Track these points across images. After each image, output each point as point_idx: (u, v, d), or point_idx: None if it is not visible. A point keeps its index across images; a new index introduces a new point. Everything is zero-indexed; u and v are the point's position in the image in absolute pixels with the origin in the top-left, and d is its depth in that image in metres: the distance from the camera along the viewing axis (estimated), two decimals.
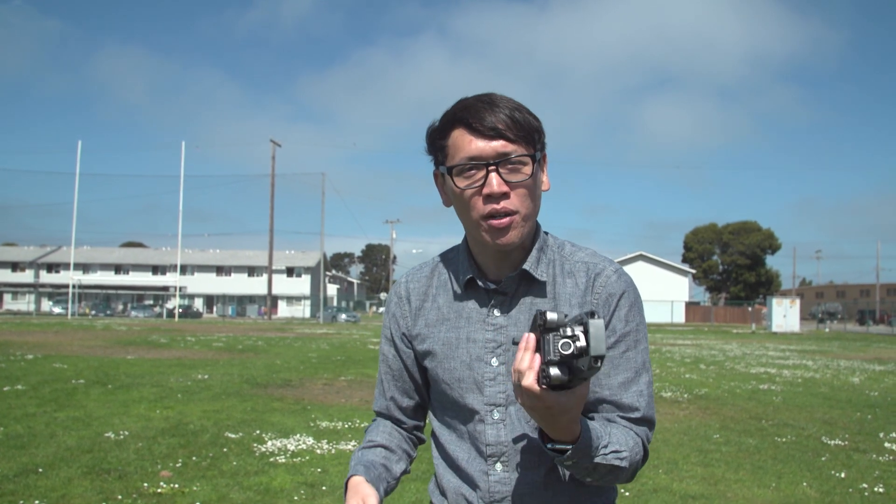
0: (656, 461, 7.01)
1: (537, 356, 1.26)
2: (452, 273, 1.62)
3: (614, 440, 1.41)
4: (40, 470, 6.16)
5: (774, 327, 49.07)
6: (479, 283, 1.55)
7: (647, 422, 1.51)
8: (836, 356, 24.12)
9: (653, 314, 73.38)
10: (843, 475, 6.59)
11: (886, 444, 8.10)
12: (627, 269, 77.74)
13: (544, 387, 1.24)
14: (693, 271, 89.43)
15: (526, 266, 1.52)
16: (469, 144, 1.45)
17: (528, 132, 1.46)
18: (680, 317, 75.98)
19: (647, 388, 1.51)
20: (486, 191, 1.44)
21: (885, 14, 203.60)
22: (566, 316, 1.26)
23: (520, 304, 1.54)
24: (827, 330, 58.35)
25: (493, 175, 1.43)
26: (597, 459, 1.37)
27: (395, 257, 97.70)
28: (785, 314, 49.49)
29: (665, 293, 76.42)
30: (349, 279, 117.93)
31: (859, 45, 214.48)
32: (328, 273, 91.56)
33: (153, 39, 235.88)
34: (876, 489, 6.10)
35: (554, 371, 1.24)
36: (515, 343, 1.48)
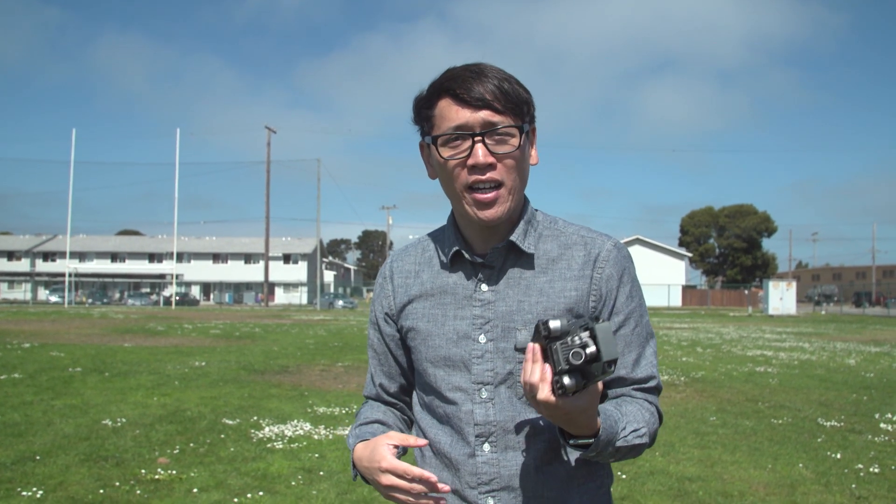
0: None
1: (547, 367, 1.24)
2: (438, 248, 1.58)
3: (631, 419, 1.41)
4: (38, 457, 6.16)
5: (771, 310, 49.18)
6: (466, 256, 1.50)
7: (658, 390, 1.54)
8: (832, 338, 24.19)
9: (650, 298, 73.51)
10: (838, 456, 6.61)
11: (882, 425, 8.14)
12: None
13: (561, 395, 1.23)
14: (689, 255, 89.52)
15: (513, 238, 1.48)
16: (455, 114, 1.41)
17: (516, 103, 1.42)
18: (677, 300, 76.14)
19: (653, 356, 1.53)
20: (471, 161, 1.40)
21: None
22: (570, 321, 1.24)
23: (507, 276, 1.49)
24: (823, 312, 58.53)
25: (479, 146, 1.40)
26: (619, 444, 1.38)
27: (391, 243, 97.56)
28: (781, 297, 49.59)
29: (662, 277, 76.53)
30: (346, 265, 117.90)
31: (856, 27, 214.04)
32: (325, 259, 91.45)
33: (151, 26, 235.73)
34: (871, 469, 6.13)
35: (568, 381, 1.22)
36: (518, 350, 1.45)
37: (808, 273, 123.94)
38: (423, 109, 1.48)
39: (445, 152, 1.43)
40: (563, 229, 1.54)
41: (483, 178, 1.41)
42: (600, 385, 1.29)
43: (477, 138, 1.40)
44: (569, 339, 1.22)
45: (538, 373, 1.24)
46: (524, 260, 1.50)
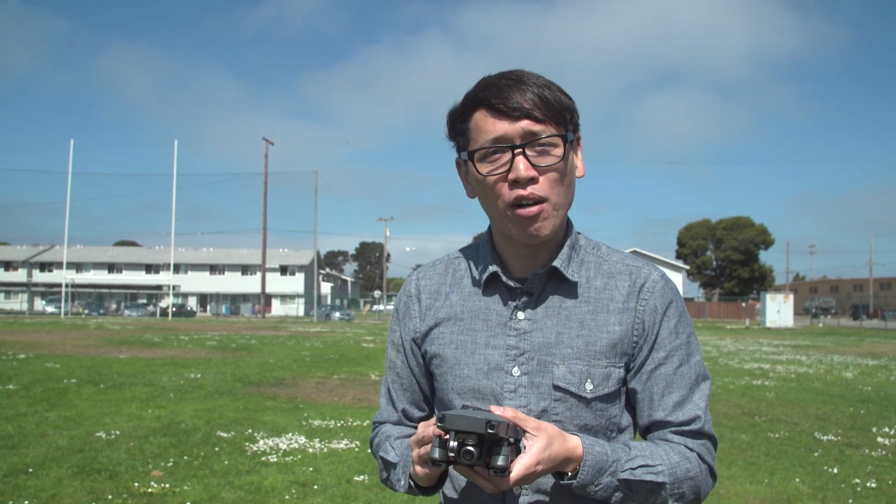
0: None
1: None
2: (472, 267, 1.46)
3: (645, 454, 1.30)
4: (30, 470, 6.12)
5: (768, 323, 49.20)
6: (503, 279, 1.38)
7: (706, 435, 1.37)
8: (829, 351, 24.18)
9: None
10: (835, 470, 6.59)
11: (879, 439, 8.11)
12: None
13: (508, 476, 1.16)
14: (687, 267, 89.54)
15: (556, 263, 1.36)
16: (492, 126, 1.30)
17: (558, 111, 1.31)
18: None
19: (703, 401, 1.38)
20: (511, 176, 1.29)
21: (882, 10, 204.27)
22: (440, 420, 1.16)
23: (546, 304, 1.38)
24: (821, 325, 58.53)
25: (520, 158, 1.28)
26: (622, 476, 1.26)
27: (388, 255, 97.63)
28: (778, 309, 49.62)
29: None
30: (343, 277, 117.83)
31: (855, 40, 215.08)
32: (322, 271, 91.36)
33: (155, 37, 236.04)
34: (868, 484, 6.10)
35: (498, 462, 1.15)
36: (555, 388, 1.36)
37: (805, 285, 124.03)
38: (458, 123, 1.37)
39: (483, 168, 1.32)
40: (607, 257, 1.43)
41: (525, 193, 1.29)
42: (551, 433, 1.21)
43: (517, 150, 1.29)
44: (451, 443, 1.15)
45: (478, 477, 1.18)
46: (566, 288, 1.38)
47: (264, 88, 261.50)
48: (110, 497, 5.41)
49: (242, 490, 5.69)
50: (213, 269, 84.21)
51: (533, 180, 1.29)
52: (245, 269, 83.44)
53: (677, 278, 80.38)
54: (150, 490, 5.61)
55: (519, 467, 1.16)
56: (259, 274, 72.45)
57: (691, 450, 1.35)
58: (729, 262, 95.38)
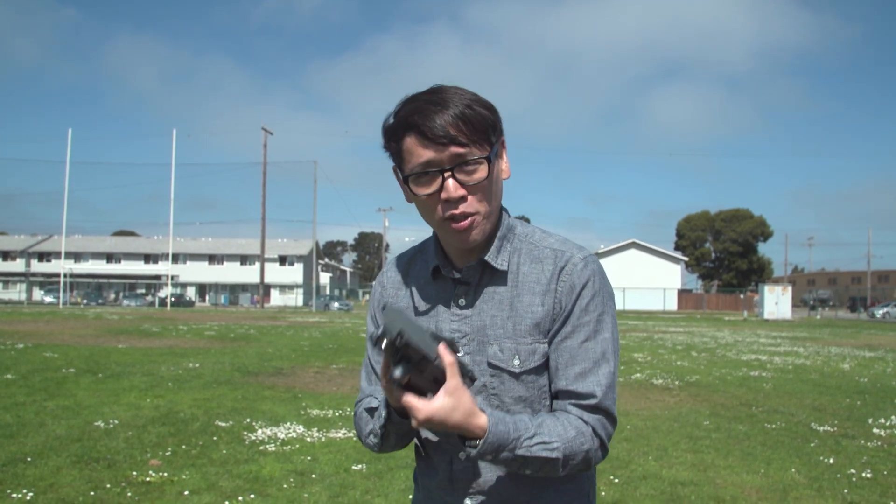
0: (646, 448, 7.03)
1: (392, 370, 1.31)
2: (424, 262, 1.63)
3: (544, 431, 1.40)
4: (29, 459, 6.13)
5: (766, 314, 49.30)
6: (444, 273, 1.55)
7: (602, 411, 1.47)
8: (826, 343, 24.23)
9: (645, 302, 73.57)
10: (831, 461, 6.61)
11: (875, 430, 8.15)
12: (620, 256, 78.14)
13: (397, 388, 1.31)
14: (685, 259, 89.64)
15: (486, 257, 1.51)
16: (422, 152, 1.42)
17: (481, 130, 1.43)
18: (672, 304, 76.19)
19: (605, 378, 1.48)
20: (443, 196, 1.43)
21: (882, 3, 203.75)
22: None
23: (482, 294, 1.53)
24: (818, 317, 58.64)
25: (450, 181, 1.42)
26: (520, 452, 1.37)
27: (387, 245, 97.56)
28: (777, 301, 49.73)
29: (657, 281, 76.62)
30: (342, 267, 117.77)
31: (857, 35, 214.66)
32: (321, 261, 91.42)
33: (160, 27, 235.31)
34: (864, 475, 6.13)
35: (398, 371, 1.28)
36: (490, 365, 1.52)
37: (803, 277, 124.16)
38: (392, 142, 1.49)
39: (419, 189, 1.46)
40: (538, 242, 1.56)
41: (457, 211, 1.44)
42: (459, 395, 1.31)
43: (447, 174, 1.42)
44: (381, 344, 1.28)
45: (383, 381, 1.33)
46: (498, 277, 1.53)
47: (270, 79, 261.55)
48: (109, 486, 5.42)
49: (240, 479, 5.71)
50: (212, 259, 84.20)
51: (462, 199, 1.44)
52: (244, 259, 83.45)
53: (675, 270, 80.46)
54: (148, 479, 5.63)
55: (416, 409, 1.30)
56: (258, 264, 72.49)
57: (587, 423, 1.46)
58: (727, 254, 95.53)
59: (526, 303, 1.50)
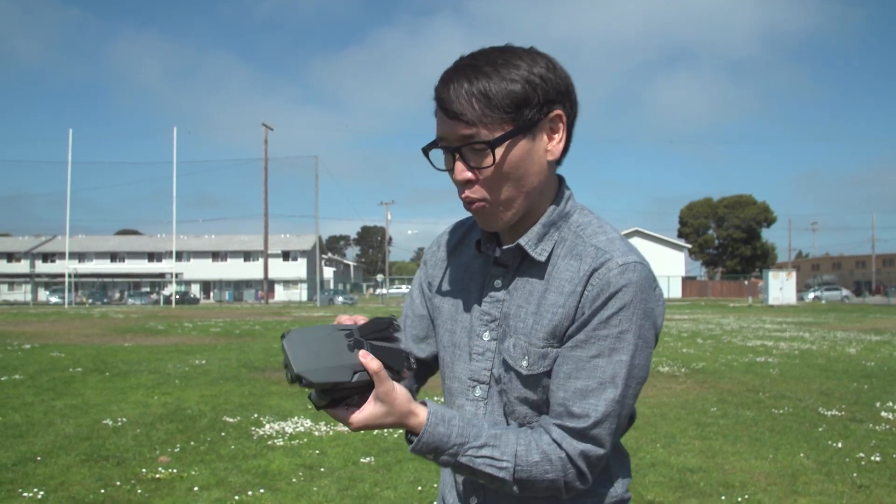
0: (654, 435, 7.03)
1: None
2: (477, 234, 1.48)
3: (498, 445, 1.28)
4: (38, 458, 6.16)
5: (771, 300, 49.24)
6: (483, 249, 1.41)
7: (590, 439, 1.27)
8: (832, 328, 24.22)
9: None
10: (839, 445, 6.61)
11: (883, 414, 8.14)
12: None
13: (323, 408, 1.27)
14: (689, 246, 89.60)
15: (521, 241, 1.35)
16: (439, 122, 1.30)
17: (501, 108, 1.24)
18: (677, 292, 76.21)
19: (607, 405, 1.27)
20: (452, 177, 1.32)
21: None
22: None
23: (515, 282, 1.38)
24: (823, 302, 58.54)
25: (458, 162, 1.29)
26: (462, 460, 1.27)
27: (390, 239, 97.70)
28: (781, 287, 49.65)
29: (661, 268, 76.59)
30: (345, 262, 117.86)
31: (860, 19, 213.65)
32: (324, 256, 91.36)
33: (162, 24, 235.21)
34: (872, 458, 6.12)
35: (314, 397, 1.26)
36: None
37: (807, 263, 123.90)
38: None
39: (436, 163, 1.34)
40: (587, 237, 1.35)
41: (464, 195, 1.31)
42: (387, 395, 1.25)
43: (457, 153, 1.29)
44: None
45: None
46: (535, 266, 1.36)
47: (272, 74, 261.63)
48: (118, 483, 5.44)
49: (249, 474, 5.72)
50: (216, 255, 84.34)
51: (468, 183, 1.29)
52: (247, 256, 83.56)
53: (679, 257, 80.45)
54: (157, 476, 5.64)
55: (348, 422, 1.27)
56: (261, 260, 72.51)
57: (562, 449, 1.28)
58: (731, 241, 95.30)
59: (550, 301, 1.32)
